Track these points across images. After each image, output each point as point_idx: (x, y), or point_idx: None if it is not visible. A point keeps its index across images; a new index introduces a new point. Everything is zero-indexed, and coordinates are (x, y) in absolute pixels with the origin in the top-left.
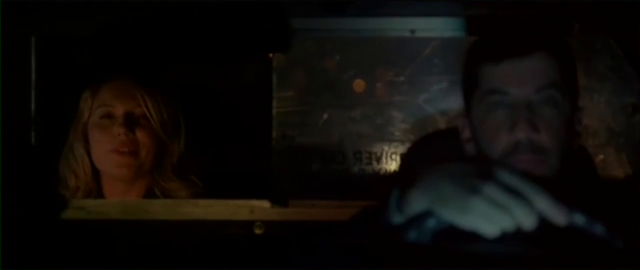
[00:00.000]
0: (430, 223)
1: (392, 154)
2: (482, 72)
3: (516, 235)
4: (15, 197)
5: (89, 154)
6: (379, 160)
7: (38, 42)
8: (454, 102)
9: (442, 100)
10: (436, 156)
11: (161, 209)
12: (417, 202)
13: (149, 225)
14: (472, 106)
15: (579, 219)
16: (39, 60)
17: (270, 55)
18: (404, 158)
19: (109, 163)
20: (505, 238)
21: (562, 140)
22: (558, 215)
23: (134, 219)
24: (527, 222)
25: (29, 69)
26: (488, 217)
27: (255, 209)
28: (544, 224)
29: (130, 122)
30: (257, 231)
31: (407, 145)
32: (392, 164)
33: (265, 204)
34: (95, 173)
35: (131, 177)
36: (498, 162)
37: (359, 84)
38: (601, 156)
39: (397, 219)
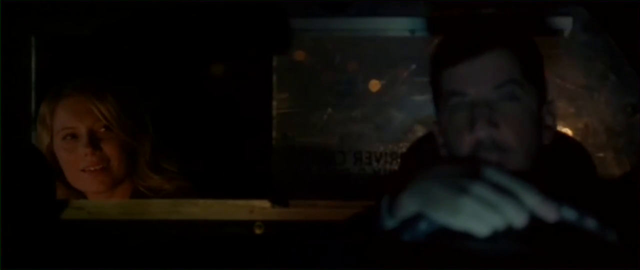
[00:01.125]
0: (422, 226)
1: (392, 154)
2: (442, 76)
3: (510, 233)
4: (15, 197)
5: (58, 175)
6: (379, 160)
7: (38, 43)
8: None
9: None
10: (433, 157)
11: (161, 209)
12: (407, 206)
13: (149, 225)
14: (438, 111)
15: (570, 214)
16: (39, 60)
17: (270, 55)
18: (402, 159)
19: (82, 183)
20: (499, 236)
21: (528, 136)
22: (548, 212)
23: (134, 219)
24: (518, 219)
25: (29, 69)
26: (478, 216)
27: (255, 209)
28: (538, 221)
29: (95, 139)
30: (257, 231)
31: (407, 145)
32: (392, 164)
33: (265, 204)
34: (73, 188)
35: (109, 189)
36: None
37: (374, 84)
38: (601, 156)
39: (390, 223)
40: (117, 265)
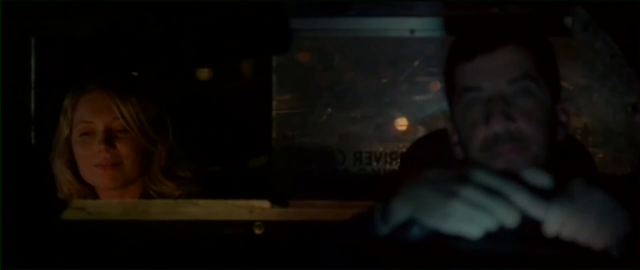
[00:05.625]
0: (415, 231)
1: (392, 154)
2: (456, 72)
3: (505, 234)
4: (15, 197)
5: (72, 167)
6: (379, 160)
7: (38, 43)
8: None
9: (441, 100)
10: (432, 158)
11: (161, 209)
12: (399, 212)
13: (149, 225)
14: (453, 108)
15: (559, 213)
16: (38, 61)
17: (270, 55)
18: (401, 160)
19: (95, 177)
20: (498, 237)
21: (543, 130)
22: (537, 210)
23: (134, 219)
24: (509, 219)
25: (28, 69)
26: (469, 219)
27: (255, 209)
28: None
29: (110, 137)
30: (257, 231)
31: (407, 145)
32: (392, 164)
33: (265, 204)
34: (85, 182)
35: (121, 186)
36: (474, 163)
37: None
38: (601, 156)
39: (383, 230)
40: (118, 265)
